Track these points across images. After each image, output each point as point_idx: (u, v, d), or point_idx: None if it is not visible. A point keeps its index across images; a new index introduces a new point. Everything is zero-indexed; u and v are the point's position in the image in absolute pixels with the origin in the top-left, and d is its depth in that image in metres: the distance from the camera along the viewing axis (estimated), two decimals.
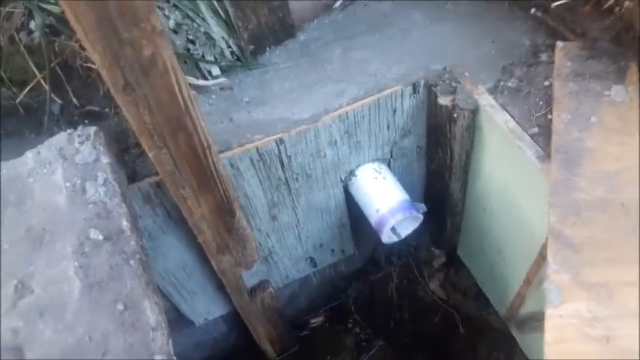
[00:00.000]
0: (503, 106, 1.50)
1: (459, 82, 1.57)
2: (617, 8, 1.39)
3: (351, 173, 1.82)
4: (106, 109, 1.62)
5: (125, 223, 1.27)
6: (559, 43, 1.56)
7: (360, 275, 2.45)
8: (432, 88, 1.59)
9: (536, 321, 1.82)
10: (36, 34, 1.42)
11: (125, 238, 1.25)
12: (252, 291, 2.08)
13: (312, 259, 2.16)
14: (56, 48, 1.43)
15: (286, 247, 2.00)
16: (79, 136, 1.38)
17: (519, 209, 1.62)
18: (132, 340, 1.10)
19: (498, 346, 2.23)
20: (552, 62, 1.56)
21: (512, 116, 1.48)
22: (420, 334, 2.41)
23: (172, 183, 1.36)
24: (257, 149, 1.53)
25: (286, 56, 1.73)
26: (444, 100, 1.57)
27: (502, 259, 1.91)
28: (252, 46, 1.67)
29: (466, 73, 1.59)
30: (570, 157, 1.35)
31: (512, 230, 1.72)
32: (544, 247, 1.54)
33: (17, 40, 1.40)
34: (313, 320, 2.69)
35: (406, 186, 1.83)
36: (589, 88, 1.45)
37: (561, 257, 1.24)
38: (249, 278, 2.05)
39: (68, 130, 1.40)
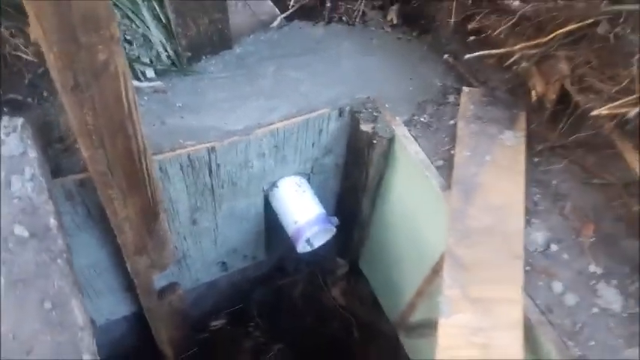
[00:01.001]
0: (416, 138, 1.71)
1: (380, 112, 1.75)
2: (514, 67, 1.65)
3: (274, 184, 1.92)
4: (29, 99, 1.56)
5: (52, 221, 1.26)
6: (465, 88, 1.81)
7: (267, 280, 2.54)
8: (356, 114, 1.75)
9: (424, 328, 2.06)
10: None
11: (52, 236, 1.24)
12: (161, 293, 2.08)
13: (223, 264, 2.22)
14: None
15: (201, 251, 2.04)
16: (4, 127, 1.33)
17: (419, 229, 1.84)
18: (60, 339, 1.10)
19: (387, 350, 2.45)
20: (458, 104, 1.80)
21: (422, 148, 1.69)
22: (319, 338, 2.56)
23: (102, 183, 1.36)
24: (188, 155, 1.58)
25: (222, 67, 1.79)
26: (365, 127, 1.73)
27: (398, 271, 2.12)
28: (189, 53, 1.71)
29: (386, 105, 1.77)
30: (467, 189, 1.58)
31: (411, 247, 1.94)
32: (437, 264, 1.76)
33: None
34: (214, 323, 2.72)
35: (321, 199, 1.97)
36: (486, 131, 1.70)
37: (454, 274, 1.45)
38: (158, 280, 2.05)
39: None
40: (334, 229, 1.93)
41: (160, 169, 1.57)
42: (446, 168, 1.65)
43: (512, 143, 1.68)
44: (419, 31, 2.00)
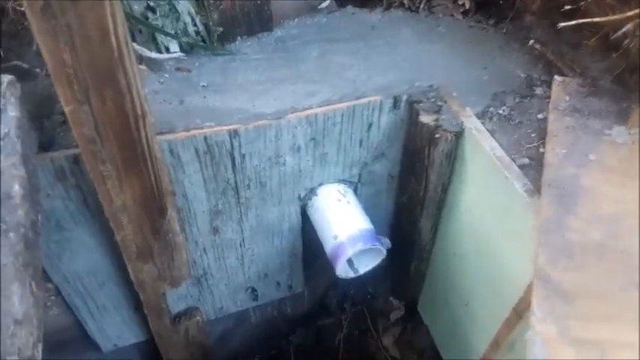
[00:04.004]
0: (492, 133, 1.33)
1: (445, 102, 1.41)
2: (625, 41, 1.26)
3: (312, 192, 1.59)
4: (37, 70, 1.38)
5: (16, 188, 1.00)
6: (557, 77, 1.43)
7: (307, 320, 2.16)
8: (415, 105, 1.42)
9: None
10: None
11: (11, 205, 0.98)
12: (177, 318, 1.77)
13: (253, 290, 1.87)
14: None
15: (225, 270, 1.72)
16: None
17: (496, 252, 1.41)
18: None
19: None
20: (548, 97, 1.42)
21: (500, 144, 1.31)
22: None
23: (91, 154, 1.10)
24: (205, 138, 1.30)
25: (258, 49, 1.54)
26: (426, 119, 1.39)
27: (467, 314, 1.67)
28: (220, 29, 1.48)
29: (454, 94, 1.43)
30: (564, 193, 1.16)
31: (485, 278, 1.50)
32: (522, 300, 1.32)
33: None
34: None
35: (371, 219, 1.61)
36: (588, 125, 1.29)
37: (548, 305, 1.02)
38: (176, 302, 1.75)
39: None
40: (384, 252, 1.54)
41: (172, 152, 1.30)
42: (532, 168, 1.25)
43: (624, 141, 1.26)
44: (496, 19, 1.67)
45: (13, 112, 1.10)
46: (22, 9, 1.26)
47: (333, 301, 2.09)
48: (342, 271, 1.54)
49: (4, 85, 1.14)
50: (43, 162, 1.21)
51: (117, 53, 0.97)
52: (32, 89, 1.33)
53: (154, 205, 1.27)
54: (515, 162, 1.27)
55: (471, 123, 1.36)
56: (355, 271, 1.58)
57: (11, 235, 0.94)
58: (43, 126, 1.27)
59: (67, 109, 1.02)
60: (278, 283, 1.90)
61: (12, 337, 0.82)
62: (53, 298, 1.58)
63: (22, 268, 0.92)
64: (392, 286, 2.06)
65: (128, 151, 1.13)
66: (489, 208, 1.37)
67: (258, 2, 1.51)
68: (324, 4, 1.64)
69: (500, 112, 1.39)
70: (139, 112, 1.08)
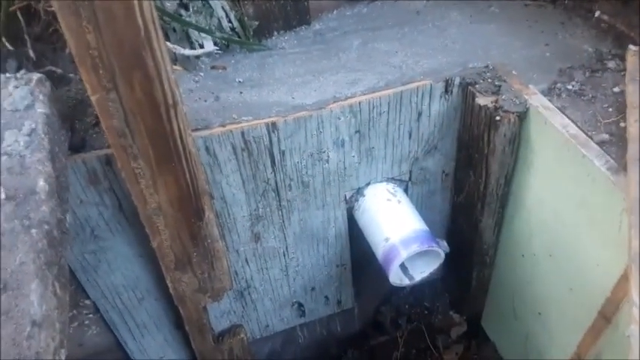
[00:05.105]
0: (562, 110, 1.18)
1: (505, 81, 1.27)
2: None
3: (359, 192, 1.46)
4: (71, 75, 1.34)
5: (42, 184, 0.93)
6: (632, 47, 1.27)
7: (359, 339, 1.99)
8: (470, 87, 1.28)
9: None
10: None
11: (35, 201, 0.90)
12: (220, 337, 1.65)
13: (300, 305, 1.74)
14: None
15: (269, 282, 1.61)
16: (16, 79, 1.09)
17: (574, 247, 1.23)
18: None
19: None
20: (622, 70, 1.27)
21: (573, 121, 1.15)
22: None
23: (122, 149, 1.03)
24: (242, 133, 1.21)
25: (296, 42, 1.46)
26: (483, 101, 1.25)
27: (541, 325, 1.47)
28: (256, 23, 1.41)
29: (513, 72, 1.29)
30: None
31: (561, 280, 1.32)
32: (609, 301, 1.14)
33: None
34: None
35: (425, 222, 1.46)
36: None
37: None
38: (219, 320, 1.64)
39: (7, 74, 1.11)
40: (442, 254, 1.39)
41: (207, 150, 1.21)
42: (613, 145, 1.09)
43: None
44: None
45: (41, 108, 1.05)
46: (53, 9, 1.22)
47: (386, 317, 1.93)
48: (396, 277, 1.39)
49: (33, 83, 1.09)
50: (75, 163, 1.15)
51: (143, 32, 0.90)
52: (65, 94, 1.29)
53: (190, 206, 1.18)
54: (592, 139, 1.10)
55: (537, 101, 1.21)
56: (410, 277, 1.43)
57: (33, 231, 0.86)
58: (75, 128, 1.21)
59: (93, 98, 0.95)
60: (326, 298, 1.76)
61: (29, 339, 0.73)
62: (91, 315, 1.50)
63: (45, 266, 0.83)
64: (451, 299, 1.87)
65: (161, 145, 1.05)
66: (563, 196, 1.20)
67: None
68: None
69: (570, 87, 1.23)
70: (170, 100, 1.00)
